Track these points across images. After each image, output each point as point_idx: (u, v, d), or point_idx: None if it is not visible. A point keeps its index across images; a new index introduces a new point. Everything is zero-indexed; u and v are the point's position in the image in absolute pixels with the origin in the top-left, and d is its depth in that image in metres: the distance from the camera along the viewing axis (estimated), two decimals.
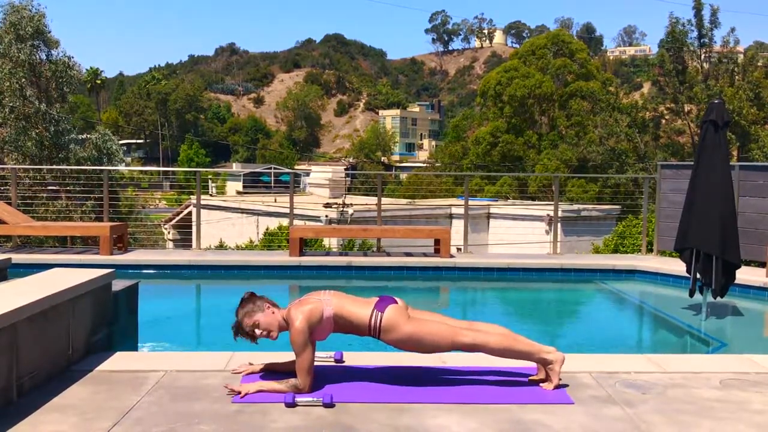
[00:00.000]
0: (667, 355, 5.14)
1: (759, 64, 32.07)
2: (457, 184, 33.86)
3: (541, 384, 3.82)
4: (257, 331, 3.67)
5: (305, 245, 10.57)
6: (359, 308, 3.70)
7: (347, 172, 36.96)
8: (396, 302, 3.76)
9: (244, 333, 3.70)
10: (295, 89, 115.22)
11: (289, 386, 3.57)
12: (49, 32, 17.61)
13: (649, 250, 10.31)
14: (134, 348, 5.33)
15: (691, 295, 6.67)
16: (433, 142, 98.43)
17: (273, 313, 3.68)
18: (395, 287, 8.59)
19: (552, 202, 16.11)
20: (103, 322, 4.62)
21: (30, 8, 17.33)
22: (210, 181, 31.93)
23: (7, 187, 12.32)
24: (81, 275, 4.43)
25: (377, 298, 3.78)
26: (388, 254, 9.95)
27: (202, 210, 10.95)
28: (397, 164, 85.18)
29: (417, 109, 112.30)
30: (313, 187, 30.08)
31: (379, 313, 3.67)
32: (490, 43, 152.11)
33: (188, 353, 4.70)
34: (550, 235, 16.73)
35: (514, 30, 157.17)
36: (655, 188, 10.19)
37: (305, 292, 3.87)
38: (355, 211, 19.17)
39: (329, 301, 3.70)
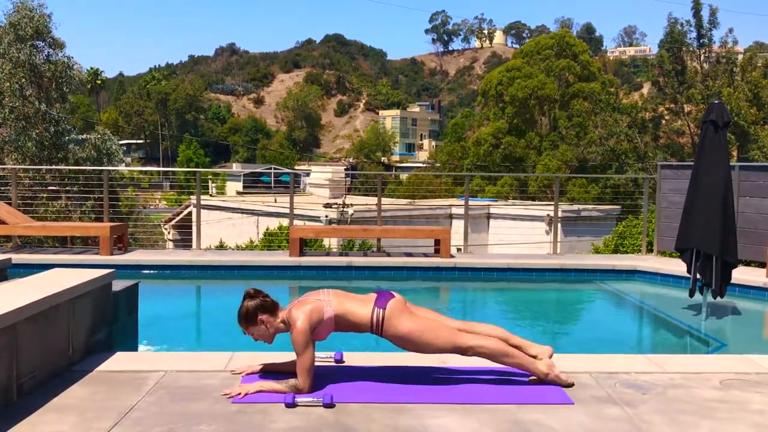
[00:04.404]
0: (667, 355, 5.14)
1: (758, 64, 32.05)
2: (457, 184, 33.85)
3: (530, 379, 3.83)
4: (253, 337, 3.78)
5: (305, 245, 10.57)
6: (359, 307, 3.71)
7: (347, 172, 36.99)
8: (394, 296, 3.77)
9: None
10: (295, 89, 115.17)
11: (289, 386, 3.57)
12: (50, 33, 17.58)
13: (649, 251, 10.31)
14: (134, 348, 5.33)
15: (691, 295, 6.67)
16: (433, 143, 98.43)
17: (266, 326, 3.71)
18: (395, 287, 8.58)
19: (552, 203, 16.11)
20: (103, 322, 4.62)
21: (33, 9, 17.31)
22: (210, 182, 31.93)
23: (7, 187, 12.31)
24: (81, 275, 4.43)
25: (375, 295, 3.79)
26: (388, 254, 9.95)
27: (202, 210, 10.95)
28: (397, 164, 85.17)
29: (417, 110, 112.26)
30: (313, 188, 30.08)
31: (381, 310, 3.67)
32: (490, 43, 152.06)
33: (188, 353, 4.70)
34: (550, 236, 16.74)
35: (514, 30, 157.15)
36: (655, 188, 10.19)
37: (305, 292, 3.86)
38: (355, 211, 19.17)
39: (329, 302, 3.70)
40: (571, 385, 3.80)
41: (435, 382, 3.85)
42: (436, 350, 3.74)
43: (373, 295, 3.79)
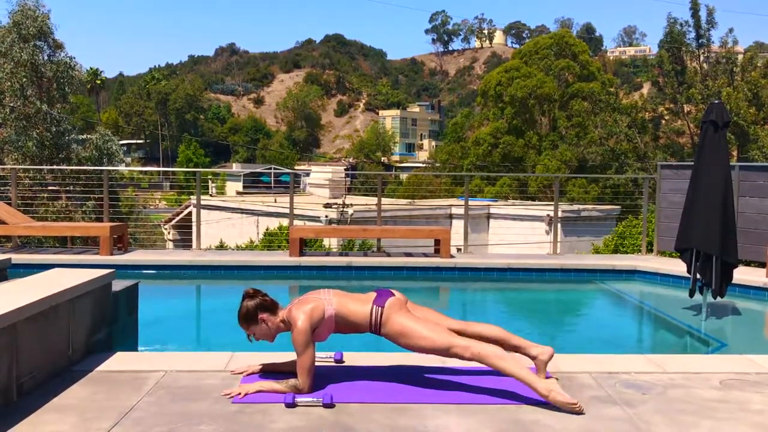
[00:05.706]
0: (667, 355, 5.14)
1: (758, 64, 32.04)
2: (457, 184, 33.84)
3: None
4: (254, 337, 3.77)
5: (305, 245, 10.57)
6: (359, 306, 3.71)
7: (347, 172, 37.00)
8: (394, 295, 3.77)
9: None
10: (295, 89, 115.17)
11: (289, 386, 3.57)
12: (52, 33, 17.60)
13: (649, 251, 10.31)
14: (134, 348, 5.33)
15: (691, 295, 6.67)
16: (433, 143, 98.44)
17: (267, 325, 3.69)
18: (395, 288, 8.56)
19: (552, 203, 16.11)
20: (103, 322, 4.62)
21: (36, 9, 17.31)
22: (210, 182, 31.93)
23: (7, 187, 12.31)
24: (81, 275, 4.42)
25: (375, 293, 3.78)
26: (388, 254, 9.95)
27: (202, 210, 10.95)
28: (397, 164, 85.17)
29: (417, 110, 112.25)
30: (313, 188, 30.09)
31: (379, 308, 3.67)
32: (490, 43, 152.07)
33: (188, 353, 4.70)
34: (550, 236, 16.74)
35: (514, 30, 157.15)
36: (655, 188, 10.19)
37: (305, 292, 3.86)
38: (355, 211, 19.17)
39: (330, 301, 3.70)
40: (576, 410, 3.40)
41: (435, 382, 3.85)
42: (431, 348, 3.61)
43: (373, 294, 3.79)
